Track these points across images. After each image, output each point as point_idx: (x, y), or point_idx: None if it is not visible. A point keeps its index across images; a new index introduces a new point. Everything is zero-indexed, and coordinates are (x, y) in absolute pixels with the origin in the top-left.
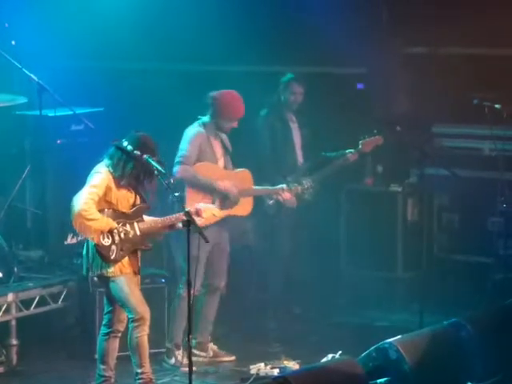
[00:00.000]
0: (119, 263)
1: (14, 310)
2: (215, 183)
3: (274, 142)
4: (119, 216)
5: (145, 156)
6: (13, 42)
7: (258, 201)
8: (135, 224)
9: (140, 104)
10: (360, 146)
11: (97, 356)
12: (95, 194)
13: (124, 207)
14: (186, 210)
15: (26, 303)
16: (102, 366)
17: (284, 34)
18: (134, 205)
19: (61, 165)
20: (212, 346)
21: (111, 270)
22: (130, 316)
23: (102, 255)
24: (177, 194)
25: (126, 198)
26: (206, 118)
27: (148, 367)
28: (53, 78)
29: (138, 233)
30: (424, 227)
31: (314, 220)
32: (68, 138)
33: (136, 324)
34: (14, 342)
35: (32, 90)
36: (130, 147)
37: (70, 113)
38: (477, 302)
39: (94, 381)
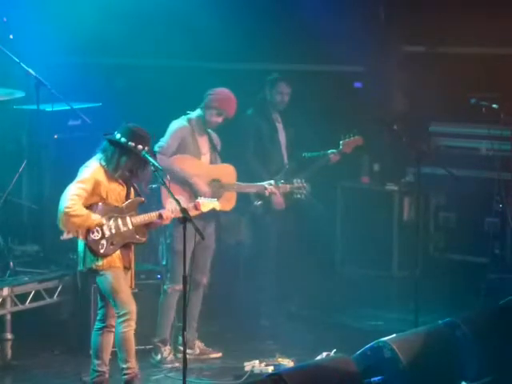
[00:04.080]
0: (109, 257)
1: (9, 305)
2: (191, 178)
3: (260, 141)
4: (111, 210)
5: (142, 151)
6: (11, 36)
7: (247, 200)
8: (127, 218)
9: (137, 99)
10: (341, 147)
11: (91, 351)
12: (82, 190)
13: (115, 201)
14: (183, 206)
15: (22, 298)
16: (96, 361)
17: (282, 32)
18: (126, 198)
19: (58, 160)
20: (199, 344)
21: (100, 264)
22: (116, 311)
23: (92, 250)
24: (154, 186)
25: (116, 192)
26: (193, 114)
27: (134, 363)
28: (50, 73)
29: (131, 227)
30: (420, 226)
31: (310, 218)
32: (65, 132)
33: (122, 319)
34: (9, 336)
35: (29, 84)
36: (123, 139)
37: (68, 108)
38: (472, 301)
39: (88, 375)
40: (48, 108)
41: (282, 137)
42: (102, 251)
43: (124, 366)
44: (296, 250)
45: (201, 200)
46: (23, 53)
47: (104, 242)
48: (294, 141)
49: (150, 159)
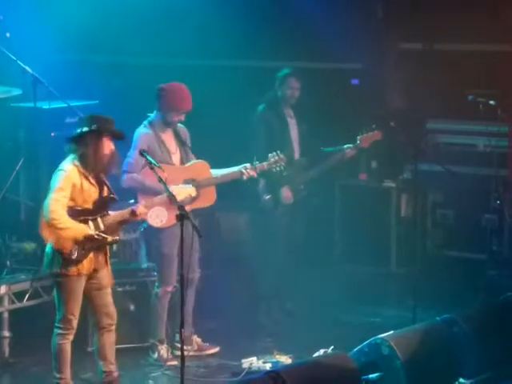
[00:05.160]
0: (79, 263)
1: (6, 302)
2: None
3: (270, 137)
4: (80, 213)
5: (142, 153)
6: (7, 34)
7: (254, 196)
8: (98, 219)
9: (134, 97)
10: (358, 142)
11: (94, 353)
12: (63, 197)
13: (86, 202)
14: (179, 204)
15: (19, 295)
16: (101, 362)
17: (279, 29)
18: (99, 198)
19: (55, 157)
20: (196, 339)
21: (68, 270)
22: (57, 320)
23: (63, 257)
24: (132, 201)
25: (88, 193)
26: (153, 115)
27: (67, 373)
28: (47, 71)
29: (102, 228)
30: (418, 223)
31: (308, 215)
32: (62, 130)
33: (61, 331)
34: (7, 334)
35: (26, 82)
36: (85, 128)
37: (65, 105)
38: (470, 298)
39: (86, 373)
40: (45, 106)
41: (293, 132)
42: (73, 257)
43: (57, 375)
44: (299, 246)
45: (174, 190)
46: (20, 50)
47: (76, 247)
48: (307, 136)
49: (150, 158)
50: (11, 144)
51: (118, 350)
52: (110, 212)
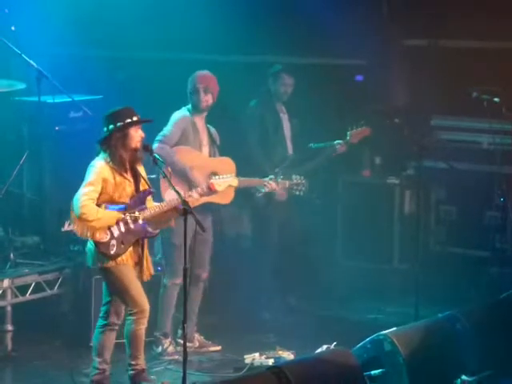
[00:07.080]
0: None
1: (9, 296)
2: (190, 171)
3: (264, 132)
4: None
5: (147, 147)
6: (12, 28)
7: (249, 192)
8: (136, 213)
9: (138, 92)
10: (348, 137)
11: (92, 348)
12: (93, 192)
13: (122, 197)
14: (183, 198)
15: (22, 289)
16: (97, 359)
17: (283, 24)
18: (136, 192)
19: (58, 151)
20: (198, 337)
21: (109, 263)
22: (128, 309)
23: (102, 252)
24: (153, 177)
25: (123, 188)
26: (190, 105)
27: (142, 359)
28: (52, 65)
29: (141, 222)
30: (421, 220)
31: (311, 211)
32: (66, 124)
33: (136, 317)
34: (9, 327)
35: (31, 76)
36: (111, 126)
37: (69, 100)
38: (472, 295)
39: (88, 368)
40: (49, 100)
41: (286, 128)
42: (112, 252)
43: (132, 362)
44: (297, 242)
45: (215, 180)
46: (25, 44)
47: (114, 242)
48: (299, 132)
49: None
50: (15, 138)
51: (121, 345)
52: (154, 203)
